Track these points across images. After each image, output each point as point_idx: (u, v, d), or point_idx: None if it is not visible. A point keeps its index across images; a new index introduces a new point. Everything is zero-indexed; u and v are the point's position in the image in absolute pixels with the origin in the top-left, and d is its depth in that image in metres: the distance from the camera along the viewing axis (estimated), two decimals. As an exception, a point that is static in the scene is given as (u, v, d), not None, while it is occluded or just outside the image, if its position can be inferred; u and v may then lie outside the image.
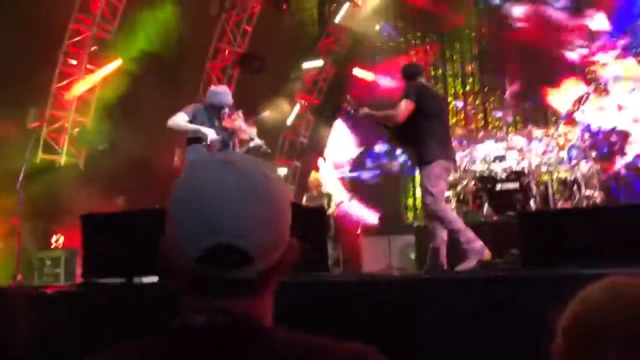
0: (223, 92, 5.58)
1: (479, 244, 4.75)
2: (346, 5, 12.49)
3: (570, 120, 8.12)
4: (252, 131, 5.65)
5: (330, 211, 8.82)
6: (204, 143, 5.25)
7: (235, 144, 5.59)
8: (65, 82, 10.34)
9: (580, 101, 7.94)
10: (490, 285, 3.11)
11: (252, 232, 0.93)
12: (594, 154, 7.70)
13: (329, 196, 9.19)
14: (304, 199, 9.31)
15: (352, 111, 5.35)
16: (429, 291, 3.31)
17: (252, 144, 5.52)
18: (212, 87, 5.98)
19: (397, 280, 3.77)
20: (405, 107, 5.05)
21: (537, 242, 3.54)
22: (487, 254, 4.72)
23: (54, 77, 10.22)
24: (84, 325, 3.59)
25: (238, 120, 5.51)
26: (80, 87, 10.42)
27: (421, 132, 5.05)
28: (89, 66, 10.45)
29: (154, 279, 3.96)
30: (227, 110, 5.45)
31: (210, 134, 5.26)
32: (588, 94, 8.14)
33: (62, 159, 10.44)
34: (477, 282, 3.26)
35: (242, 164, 0.98)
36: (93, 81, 10.53)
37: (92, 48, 10.33)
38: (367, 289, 3.52)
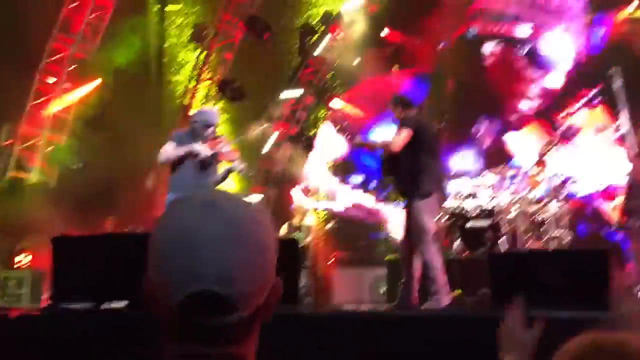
0: (210, 112, 5.62)
1: (447, 300, 4.75)
2: (327, 38, 12.68)
3: (540, 161, 8.31)
4: (234, 155, 5.64)
5: (307, 241, 8.81)
6: (197, 160, 5.25)
7: (216, 169, 5.59)
8: (41, 99, 10.25)
9: (550, 143, 8.15)
10: (459, 324, 3.15)
11: (236, 279, 0.91)
12: (563, 194, 7.88)
13: (308, 228, 9.18)
14: (284, 227, 9.28)
15: (348, 138, 5.36)
16: (396, 327, 3.34)
17: (233, 166, 5.50)
18: (200, 109, 6.02)
19: (363, 316, 3.78)
20: (403, 136, 5.01)
21: (507, 282, 3.60)
22: (450, 301, 4.74)
23: (30, 95, 10.13)
24: (48, 351, 3.52)
25: (220, 144, 5.51)
26: (56, 106, 10.33)
27: (418, 165, 5.02)
28: (66, 85, 10.38)
29: (122, 303, 3.92)
30: (212, 129, 5.42)
31: (204, 150, 5.27)
32: (559, 138, 8.37)
33: (34, 177, 10.28)
34: (444, 321, 3.30)
35: (227, 205, 0.96)
36: (70, 100, 10.45)
37: (71, 67, 10.29)
38: (333, 323, 3.53)
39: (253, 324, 0.96)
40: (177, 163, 5.41)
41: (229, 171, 5.57)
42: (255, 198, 13.05)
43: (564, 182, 7.96)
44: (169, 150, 5.33)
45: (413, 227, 4.97)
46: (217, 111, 5.65)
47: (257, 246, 0.95)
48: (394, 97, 5.59)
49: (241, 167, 5.57)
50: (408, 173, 5.05)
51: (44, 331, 3.69)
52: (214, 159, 5.48)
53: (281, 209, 13.20)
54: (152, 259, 0.95)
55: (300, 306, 5.65)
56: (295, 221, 9.19)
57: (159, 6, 12.29)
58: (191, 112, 5.64)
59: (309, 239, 8.89)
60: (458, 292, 5.68)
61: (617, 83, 4.64)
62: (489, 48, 11.56)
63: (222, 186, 5.68)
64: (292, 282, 4.73)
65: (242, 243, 0.93)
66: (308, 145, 13.12)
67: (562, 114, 8.85)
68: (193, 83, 12.61)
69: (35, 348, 3.59)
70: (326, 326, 3.50)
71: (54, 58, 10.25)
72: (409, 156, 5.02)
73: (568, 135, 8.12)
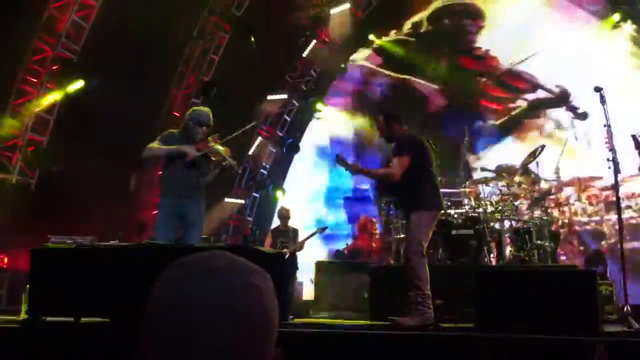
0: (203, 112, 5.58)
1: (431, 313, 4.75)
2: (314, 42, 12.66)
3: (525, 171, 8.35)
4: (225, 152, 5.59)
5: (295, 247, 8.77)
6: (186, 160, 5.22)
7: (211, 168, 5.55)
8: (23, 99, 10.10)
9: (535, 153, 8.18)
10: (443, 344, 3.14)
11: (234, 354, 0.87)
12: (546, 204, 7.94)
13: (296, 231, 9.13)
14: (269, 235, 9.23)
15: (344, 167, 5.32)
16: (381, 346, 3.33)
17: (224, 163, 5.47)
18: (194, 107, 5.98)
19: (347, 334, 3.76)
20: (401, 164, 5.01)
21: (492, 301, 3.59)
22: (429, 322, 4.73)
23: (11, 94, 9.97)
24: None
25: (212, 143, 5.47)
26: (38, 106, 10.18)
27: (416, 180, 5.03)
28: (49, 85, 10.24)
29: (103, 318, 3.85)
30: (204, 129, 5.40)
31: (191, 151, 5.24)
32: (543, 146, 8.42)
33: (14, 178, 10.12)
34: (429, 340, 3.29)
35: (228, 275, 0.91)
36: (52, 100, 10.31)
37: (54, 67, 10.14)
38: (319, 340, 3.51)
39: None
40: (166, 166, 5.40)
41: (221, 169, 5.54)
42: (238, 201, 13.02)
43: (547, 192, 8.02)
44: (155, 147, 5.30)
45: (408, 237, 4.98)
46: (209, 111, 5.62)
47: (258, 319, 0.91)
48: (380, 112, 5.50)
49: (232, 165, 5.53)
50: (406, 189, 5.05)
51: (21, 345, 3.61)
52: (206, 159, 5.45)
53: (266, 212, 13.20)
54: (149, 335, 0.90)
55: (290, 323, 5.61)
56: (281, 226, 9.14)
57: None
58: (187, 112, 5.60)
59: (296, 244, 8.85)
60: (440, 302, 5.68)
61: (603, 99, 4.68)
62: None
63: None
64: (282, 298, 4.68)
65: (242, 317, 0.89)
66: (293, 149, 13.13)
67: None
68: (177, 84, 12.51)
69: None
70: (309, 343, 3.47)
71: (37, 57, 10.09)
72: (412, 172, 5.04)
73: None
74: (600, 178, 9.04)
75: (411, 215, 4.99)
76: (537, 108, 11.79)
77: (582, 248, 8.25)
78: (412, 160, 5.03)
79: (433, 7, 12.55)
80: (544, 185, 8.06)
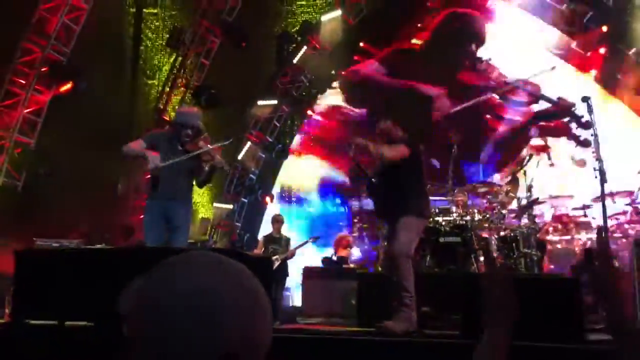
0: (190, 113, 5.55)
1: (414, 315, 4.76)
2: (305, 48, 12.68)
3: (512, 179, 8.42)
4: (215, 152, 5.53)
5: (286, 255, 8.76)
6: (148, 167, 5.21)
7: (202, 169, 5.50)
8: (11, 101, 10.03)
9: (522, 162, 8.25)
10: (430, 350, 3.15)
11: (251, 339, 0.90)
12: (533, 212, 7.99)
13: (288, 239, 9.11)
14: (260, 241, 9.20)
15: (351, 149, 5.20)
16: (369, 351, 3.33)
17: (214, 163, 5.42)
18: (181, 108, 5.94)
19: (333, 339, 3.75)
20: (404, 151, 4.95)
21: (479, 310, 3.59)
22: (414, 326, 4.73)
23: (-1, 95, 9.92)
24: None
25: (201, 143, 5.42)
26: (26, 108, 10.11)
27: (411, 184, 5.02)
28: (37, 87, 10.18)
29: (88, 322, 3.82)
30: (189, 131, 5.34)
31: (153, 160, 5.17)
32: (530, 155, 8.50)
33: (0, 180, 10.03)
34: (416, 346, 3.30)
35: (233, 265, 0.95)
36: (40, 103, 10.25)
37: (43, 69, 10.08)
38: (307, 345, 3.50)
39: None
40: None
41: (212, 168, 5.50)
42: (226, 206, 12.98)
43: (535, 201, 8.08)
44: (131, 145, 5.30)
45: (398, 241, 4.91)
46: (198, 112, 5.57)
47: (266, 304, 0.95)
48: (387, 118, 5.46)
49: (222, 165, 5.49)
50: (404, 191, 5.01)
51: (5, 348, 3.57)
52: (197, 160, 5.38)
53: (255, 218, 13.18)
54: (162, 327, 0.88)
55: (276, 325, 5.59)
56: (274, 232, 9.12)
57: (135, 9, 12.14)
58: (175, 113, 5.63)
59: (287, 252, 8.84)
60: (426, 309, 5.68)
61: (590, 112, 4.74)
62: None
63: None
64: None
65: (256, 302, 0.93)
66: (282, 154, 13.12)
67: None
68: (168, 87, 12.48)
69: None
70: (296, 347, 3.46)
71: (26, 59, 10.03)
72: (406, 175, 5.02)
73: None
74: (570, 197, 9.16)
75: (402, 219, 4.94)
76: (541, 119, 11.81)
77: (552, 266, 8.34)
78: (411, 160, 5.00)
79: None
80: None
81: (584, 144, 10.89)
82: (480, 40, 12.12)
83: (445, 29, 12.27)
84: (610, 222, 7.52)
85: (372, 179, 5.28)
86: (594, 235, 8.64)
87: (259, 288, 0.95)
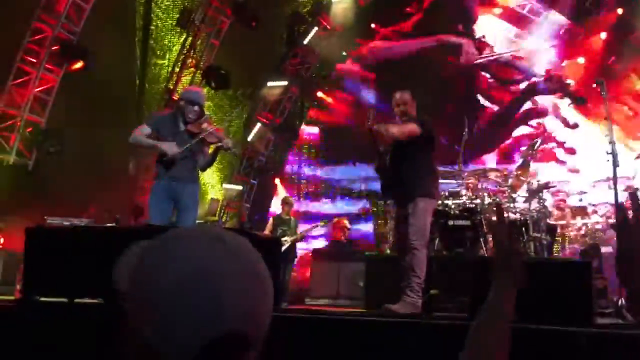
0: (196, 91, 5.49)
1: (420, 301, 4.76)
2: (315, 29, 12.59)
3: (523, 163, 8.34)
4: (220, 133, 5.47)
5: (296, 237, 8.78)
6: (165, 158, 5.13)
7: (205, 151, 5.46)
8: (21, 79, 10.05)
9: (533, 146, 8.18)
10: (437, 331, 3.15)
11: (258, 316, 0.89)
12: (543, 196, 7.94)
13: (297, 221, 9.12)
14: (270, 222, 9.21)
15: (370, 118, 5.10)
16: (375, 332, 3.33)
17: (220, 144, 5.36)
18: (187, 87, 5.86)
19: (345, 319, 3.76)
20: (415, 129, 4.88)
21: (487, 293, 3.58)
22: (419, 311, 4.72)
23: (10, 74, 9.92)
24: (19, 344, 3.45)
25: (205, 124, 5.35)
26: (36, 87, 10.14)
27: (426, 166, 4.98)
28: (48, 66, 10.18)
29: (97, 299, 3.85)
30: (196, 108, 5.29)
31: (170, 148, 5.12)
32: (542, 140, 8.43)
33: (11, 159, 10.09)
34: (424, 327, 3.30)
35: (233, 241, 0.92)
36: (51, 82, 10.27)
37: (53, 48, 10.08)
38: (313, 325, 3.51)
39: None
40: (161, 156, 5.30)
41: (217, 150, 5.46)
42: (236, 187, 13.01)
43: (545, 185, 8.02)
44: (139, 136, 5.22)
45: (416, 226, 4.86)
46: (202, 91, 5.51)
47: (267, 280, 0.93)
48: (410, 90, 5.38)
49: (230, 146, 5.41)
50: (420, 173, 4.95)
51: (15, 324, 3.61)
52: (200, 143, 5.36)
53: (264, 199, 13.21)
54: (157, 305, 0.86)
55: (284, 306, 5.62)
56: (283, 214, 9.13)
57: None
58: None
59: (296, 235, 8.85)
60: (435, 291, 5.68)
61: (604, 94, 4.66)
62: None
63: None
64: (276, 283, 4.67)
65: (257, 279, 0.91)
66: (292, 136, 13.11)
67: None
68: (178, 68, 12.45)
69: (5, 340, 3.52)
70: (302, 328, 3.47)
71: (36, 38, 10.02)
72: (420, 157, 4.97)
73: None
74: (567, 182, 9.15)
75: (418, 202, 4.87)
76: (532, 94, 11.90)
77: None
78: (427, 142, 4.96)
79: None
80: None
81: (580, 101, 10.94)
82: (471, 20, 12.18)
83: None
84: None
85: (383, 155, 5.20)
86: (588, 221, 8.69)
87: (260, 265, 0.93)
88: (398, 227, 5.25)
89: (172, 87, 12.31)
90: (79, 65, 10.08)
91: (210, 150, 5.53)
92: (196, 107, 5.31)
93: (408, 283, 4.80)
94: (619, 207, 4.55)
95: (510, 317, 1.29)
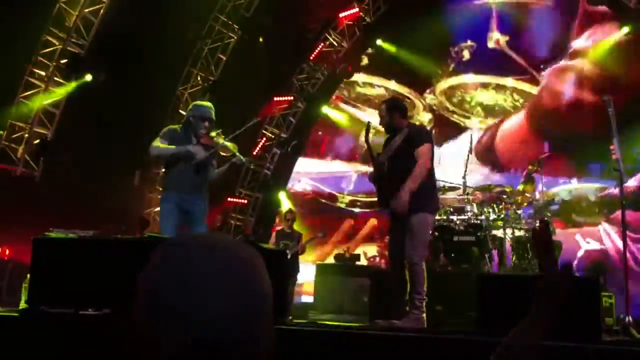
0: (207, 106, 5.43)
1: (423, 316, 4.72)
2: (322, 45, 12.67)
3: (528, 179, 8.34)
4: (234, 147, 5.41)
5: (297, 249, 8.76)
6: (193, 161, 5.14)
7: (214, 164, 5.45)
8: (30, 92, 10.14)
9: (539, 161, 8.17)
10: (442, 346, 3.13)
11: (233, 327, 0.88)
12: (549, 213, 7.93)
13: (300, 235, 9.09)
14: (273, 236, 9.19)
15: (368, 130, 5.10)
16: (380, 348, 3.32)
17: (234, 160, 5.35)
18: (196, 102, 5.83)
19: (348, 334, 3.75)
20: (429, 151, 4.85)
21: (495, 306, 3.57)
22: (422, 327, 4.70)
23: (19, 87, 10.02)
24: (26, 355, 3.45)
25: (217, 137, 5.35)
26: (45, 99, 10.22)
27: (428, 179, 4.90)
28: (56, 79, 10.28)
29: (104, 310, 3.85)
30: (206, 124, 5.28)
31: (198, 152, 5.15)
32: (548, 156, 8.42)
33: (19, 170, 10.15)
34: (429, 342, 3.28)
35: (227, 251, 0.94)
36: (59, 95, 10.35)
37: (62, 61, 10.18)
38: (318, 340, 3.50)
39: None
40: (170, 163, 5.30)
41: (231, 165, 5.46)
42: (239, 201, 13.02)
43: (550, 201, 8.02)
44: (162, 147, 5.19)
45: (415, 239, 4.80)
46: (211, 106, 5.48)
47: (256, 294, 0.93)
48: (389, 101, 5.39)
49: (243, 161, 5.43)
50: (420, 186, 4.84)
51: (20, 335, 3.61)
52: (212, 157, 5.36)
53: (268, 213, 13.20)
54: (147, 303, 0.90)
55: (288, 319, 5.59)
56: (286, 228, 9.12)
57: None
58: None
59: (299, 246, 8.84)
60: (439, 308, 5.66)
61: (610, 110, 4.67)
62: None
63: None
64: (281, 295, 4.67)
65: (240, 291, 0.91)
66: (297, 150, 13.14)
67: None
68: (185, 82, 12.54)
69: (10, 351, 3.52)
70: (308, 344, 3.46)
71: (46, 51, 10.13)
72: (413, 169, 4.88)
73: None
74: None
75: (415, 217, 4.81)
76: None
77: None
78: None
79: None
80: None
81: None
82: None
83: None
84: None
85: (381, 166, 5.15)
86: None
87: (252, 275, 0.93)
88: (393, 237, 5.15)
89: (177, 100, 12.39)
90: (87, 78, 10.17)
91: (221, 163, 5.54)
92: (206, 123, 5.30)
93: (410, 300, 4.78)
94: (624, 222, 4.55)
95: (547, 336, 1.31)
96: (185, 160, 5.18)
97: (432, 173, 5.03)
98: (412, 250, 4.78)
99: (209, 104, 5.53)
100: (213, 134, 5.39)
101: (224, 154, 5.42)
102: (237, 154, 5.37)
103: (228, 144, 5.39)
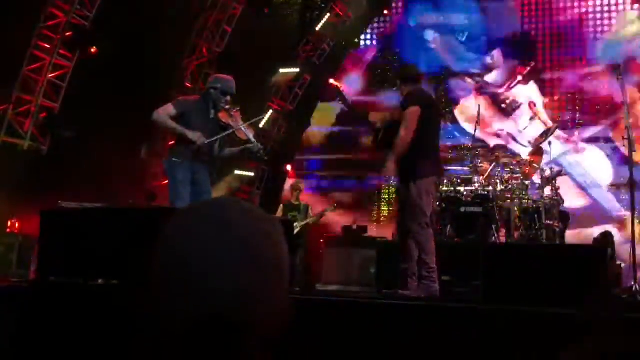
0: (230, 80, 5.22)
1: (436, 287, 4.69)
2: (328, 15, 12.52)
3: (536, 150, 8.29)
4: (251, 133, 5.25)
5: (309, 221, 8.79)
6: (193, 147, 4.97)
7: (226, 141, 5.32)
8: (35, 65, 10.10)
9: (547, 133, 8.11)
10: (449, 315, 3.14)
11: (251, 305, 0.87)
12: (556, 184, 7.89)
13: (307, 207, 9.12)
14: (280, 208, 9.23)
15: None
16: (387, 316, 3.34)
17: (249, 146, 5.18)
18: (219, 74, 5.60)
19: (356, 303, 3.77)
20: (410, 117, 4.72)
21: (500, 275, 3.58)
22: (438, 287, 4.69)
23: (24, 59, 9.97)
24: (34, 325, 3.50)
25: (238, 117, 5.16)
26: (50, 72, 10.18)
27: (418, 144, 4.77)
28: (61, 52, 10.22)
29: (112, 281, 3.89)
30: (228, 98, 5.11)
31: (199, 138, 4.94)
32: (556, 126, 8.36)
33: (26, 144, 10.17)
34: (436, 311, 3.30)
35: (241, 224, 0.90)
36: (65, 67, 10.31)
37: (67, 33, 10.11)
38: (324, 310, 3.52)
39: (262, 348, 0.91)
40: (178, 142, 5.17)
41: (243, 151, 5.33)
42: (247, 173, 13.03)
43: (558, 172, 7.97)
44: (165, 117, 5.02)
45: (410, 208, 4.78)
46: (233, 80, 5.28)
47: (272, 269, 0.90)
48: (400, 69, 5.35)
49: (258, 149, 5.24)
50: (409, 151, 4.77)
51: (29, 305, 3.65)
52: (226, 131, 5.16)
53: (275, 186, 13.22)
54: (159, 282, 0.89)
55: (296, 289, 5.63)
56: (293, 199, 9.13)
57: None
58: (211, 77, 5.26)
59: (307, 219, 8.87)
60: (446, 278, 5.68)
61: (620, 78, 4.60)
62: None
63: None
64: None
65: (257, 267, 0.88)
66: (304, 123, 13.09)
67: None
68: (190, 54, 12.44)
69: (21, 320, 3.57)
70: (314, 313, 3.48)
71: (50, 23, 10.05)
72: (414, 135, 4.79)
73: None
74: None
75: (412, 186, 4.77)
76: None
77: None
78: (420, 118, 4.77)
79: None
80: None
81: None
82: None
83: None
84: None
85: (379, 132, 5.11)
86: None
87: (267, 249, 0.91)
88: (399, 207, 5.16)
89: (183, 72, 12.31)
90: (92, 50, 10.10)
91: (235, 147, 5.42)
92: (228, 97, 5.13)
93: (418, 271, 4.77)
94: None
95: None
96: (185, 143, 5.02)
97: (426, 136, 4.86)
98: (409, 219, 4.80)
99: (231, 78, 5.29)
100: (232, 111, 5.16)
101: (240, 136, 5.23)
102: (254, 140, 5.20)
103: (247, 129, 5.18)
